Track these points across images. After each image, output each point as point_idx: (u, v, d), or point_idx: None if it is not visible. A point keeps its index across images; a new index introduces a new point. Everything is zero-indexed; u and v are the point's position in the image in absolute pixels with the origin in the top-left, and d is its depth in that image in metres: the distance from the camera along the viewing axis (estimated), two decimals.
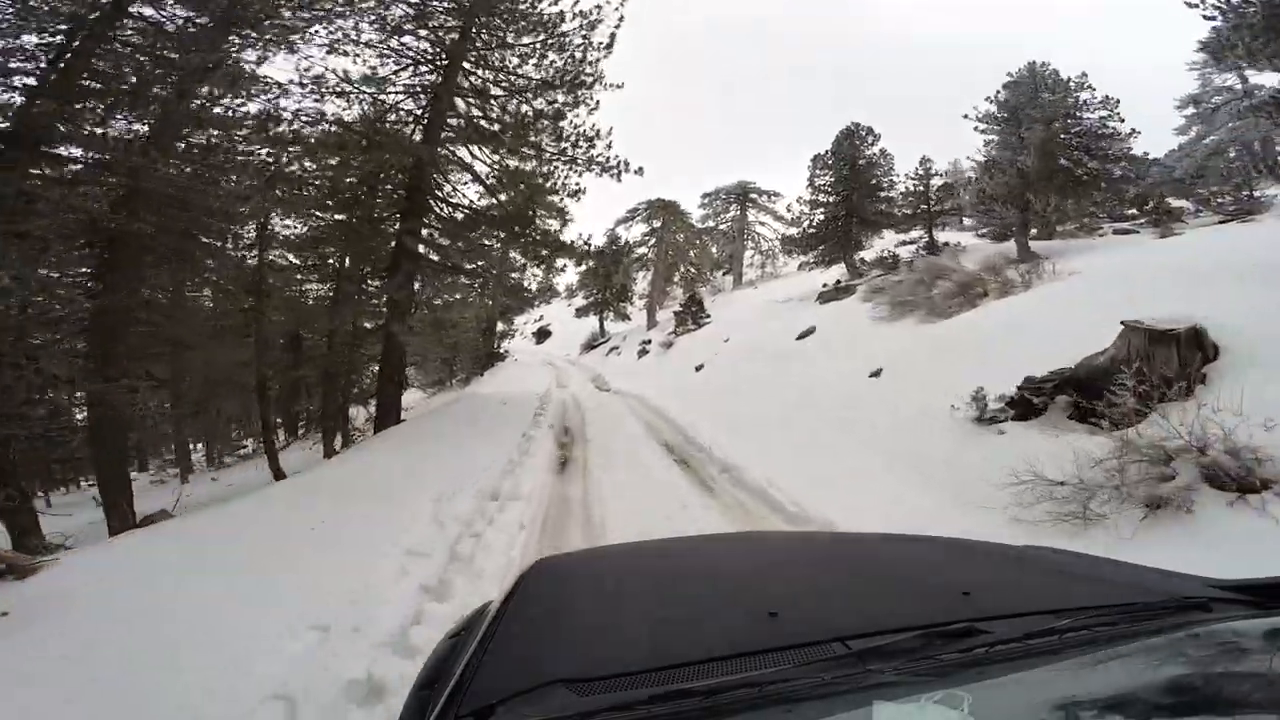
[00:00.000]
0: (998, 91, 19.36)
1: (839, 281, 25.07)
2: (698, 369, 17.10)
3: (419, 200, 12.27)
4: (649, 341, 26.80)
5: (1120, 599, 1.05)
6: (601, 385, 21.01)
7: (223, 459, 20.22)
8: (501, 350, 33.09)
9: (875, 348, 11.01)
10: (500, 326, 37.00)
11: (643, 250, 36.79)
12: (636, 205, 35.40)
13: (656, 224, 35.17)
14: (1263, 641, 0.92)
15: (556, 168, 14.02)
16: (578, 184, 14.44)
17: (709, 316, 24.28)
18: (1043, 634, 0.92)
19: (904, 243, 21.85)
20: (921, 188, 21.49)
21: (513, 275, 21.29)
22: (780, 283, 34.32)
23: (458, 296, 15.90)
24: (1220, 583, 1.08)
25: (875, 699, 0.75)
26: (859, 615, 1.08)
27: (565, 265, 16.32)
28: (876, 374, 9.48)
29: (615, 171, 14.08)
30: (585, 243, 14.32)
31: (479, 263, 14.24)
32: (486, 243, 13.93)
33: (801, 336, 14.46)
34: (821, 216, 24.44)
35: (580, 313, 40.07)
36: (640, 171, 14.17)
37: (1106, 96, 18.14)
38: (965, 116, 19.79)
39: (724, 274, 42.58)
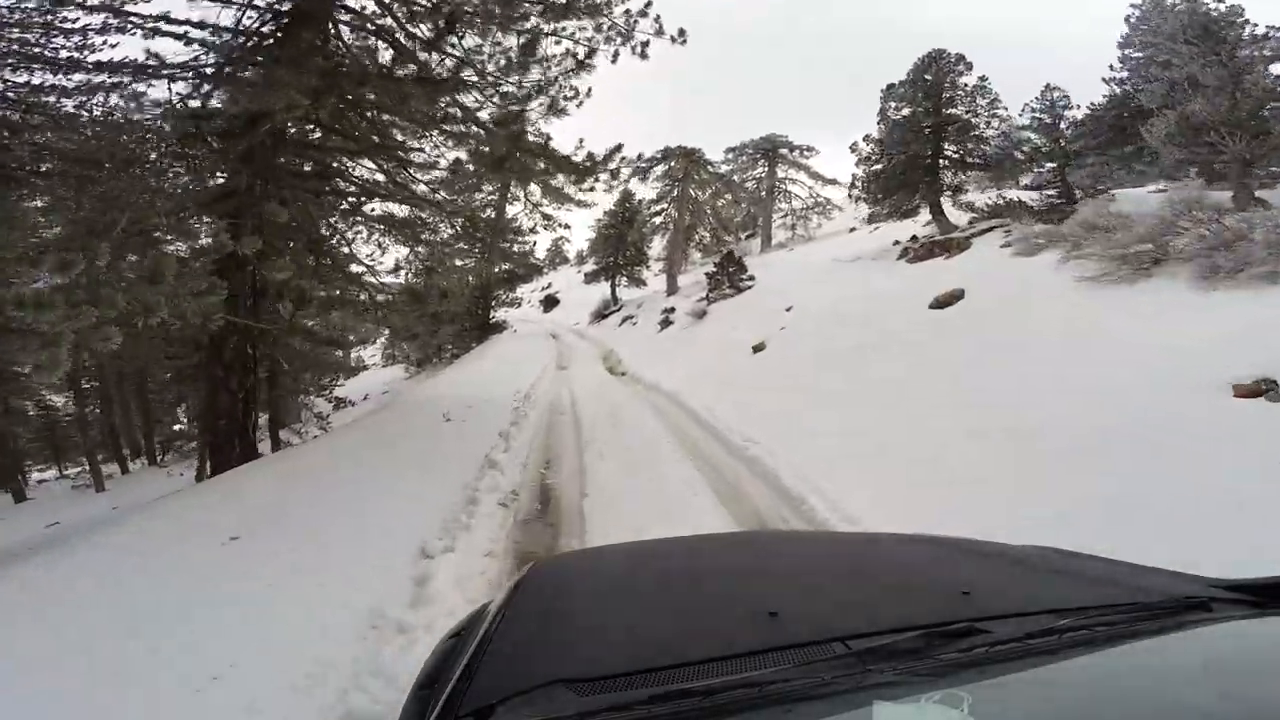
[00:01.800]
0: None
1: (915, 238, 19.20)
2: (756, 349, 11.45)
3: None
4: (672, 310, 21.07)
5: (1120, 599, 1.00)
6: (615, 368, 15.48)
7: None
8: (497, 321, 27.53)
9: (1155, 328, 5.42)
10: (508, 294, 31.39)
11: (660, 206, 30.70)
12: (653, 154, 29.19)
13: (677, 174, 28.95)
14: (1263, 641, 0.90)
15: (538, 32, 8.19)
16: (581, 72, 8.63)
17: (751, 279, 18.46)
18: (1043, 634, 0.88)
19: (1027, 187, 15.88)
20: (1048, 120, 15.38)
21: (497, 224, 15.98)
22: (820, 245, 28.46)
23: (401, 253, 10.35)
24: (1220, 582, 1.04)
25: (875, 699, 0.71)
26: (859, 615, 1.03)
27: (558, 207, 10.71)
28: (1269, 392, 3.89)
29: (639, 43, 8.32)
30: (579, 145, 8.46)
31: (415, 183, 8.58)
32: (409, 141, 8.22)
33: (941, 305, 8.77)
34: (900, 157, 18.32)
35: (590, 278, 34.33)
36: (682, 37, 8.37)
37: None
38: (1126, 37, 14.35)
39: (748, 236, 36.59)
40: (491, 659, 0.97)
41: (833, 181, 35.56)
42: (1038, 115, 15.92)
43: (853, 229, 34.91)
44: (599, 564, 1.66)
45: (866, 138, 19.60)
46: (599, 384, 12.19)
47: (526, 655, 0.99)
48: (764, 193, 36.86)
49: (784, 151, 36.10)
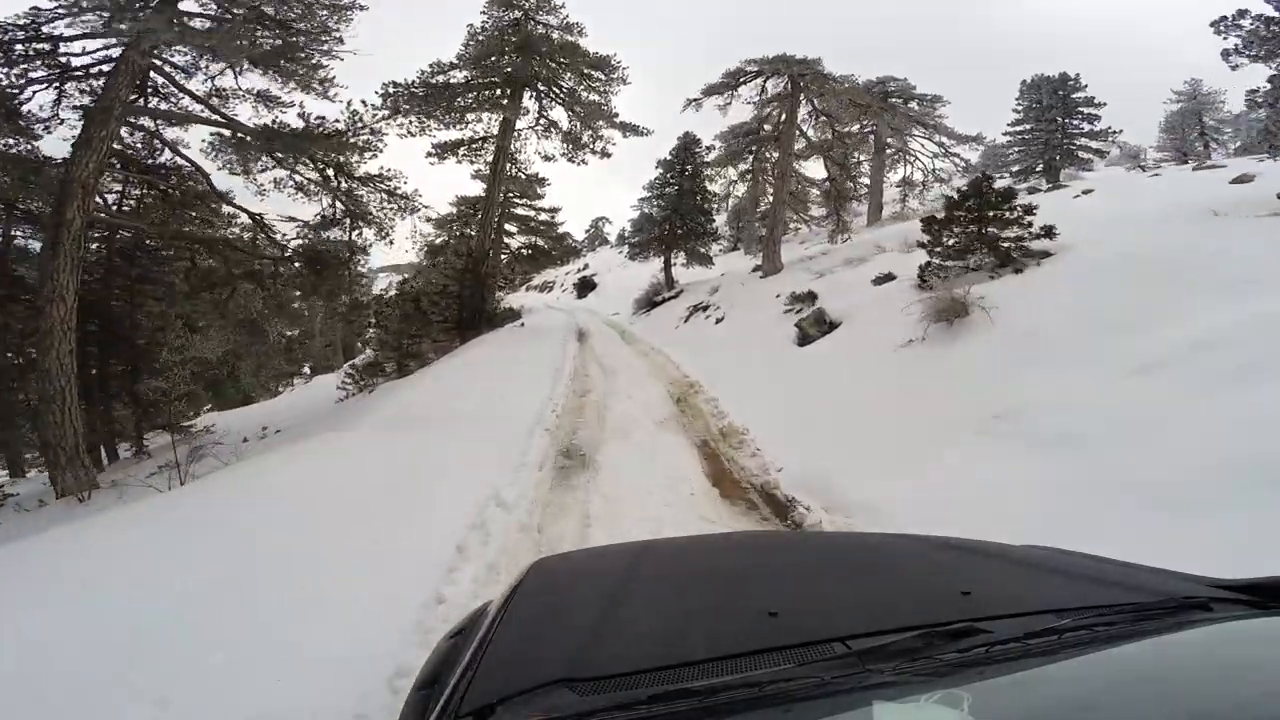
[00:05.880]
0: None
1: None
2: None
3: None
4: (810, 296, 10.67)
5: (1120, 599, 0.96)
6: (725, 451, 5.28)
7: None
8: (498, 310, 17.36)
9: None
10: (529, 273, 21.23)
11: (750, 143, 20.10)
12: (741, 66, 18.47)
13: (781, 97, 18.26)
14: (1263, 641, 0.86)
15: None
16: None
17: (1046, 234, 7.75)
18: (1043, 634, 0.84)
19: None
20: None
21: None
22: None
23: None
24: (1221, 582, 1.00)
25: (875, 699, 0.69)
26: (859, 615, 0.99)
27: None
28: None
29: None
30: None
31: None
32: None
33: None
34: None
35: (636, 252, 23.84)
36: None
37: None
38: None
39: (828, 217, 25.99)
40: (491, 659, 0.94)
41: (974, 138, 24.86)
42: None
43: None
44: (599, 563, 1.59)
45: (1241, 13, 8.95)
46: None
47: (526, 655, 0.96)
48: (874, 152, 26.36)
49: (896, 101, 25.42)
